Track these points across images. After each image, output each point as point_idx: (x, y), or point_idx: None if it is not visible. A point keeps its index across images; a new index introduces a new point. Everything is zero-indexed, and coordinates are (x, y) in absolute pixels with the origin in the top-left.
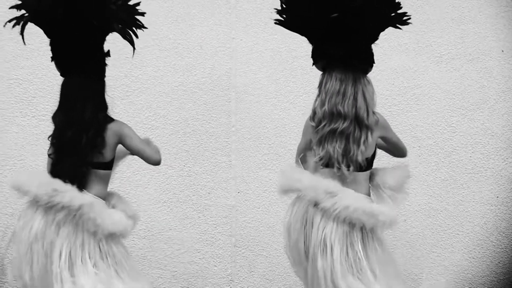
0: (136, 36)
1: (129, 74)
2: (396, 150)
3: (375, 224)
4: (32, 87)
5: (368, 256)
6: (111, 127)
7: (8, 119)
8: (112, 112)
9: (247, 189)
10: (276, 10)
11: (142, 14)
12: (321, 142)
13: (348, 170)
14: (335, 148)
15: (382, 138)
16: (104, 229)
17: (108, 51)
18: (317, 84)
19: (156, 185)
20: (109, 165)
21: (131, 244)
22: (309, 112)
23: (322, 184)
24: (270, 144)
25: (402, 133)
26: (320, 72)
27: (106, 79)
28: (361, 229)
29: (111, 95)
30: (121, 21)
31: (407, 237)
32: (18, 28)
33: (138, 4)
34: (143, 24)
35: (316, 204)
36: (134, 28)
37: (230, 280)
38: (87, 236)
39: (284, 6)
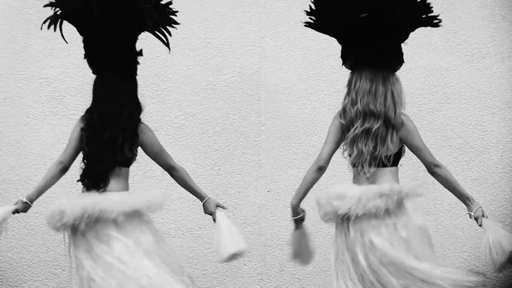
0: (170, 35)
1: (159, 73)
2: (419, 157)
3: (396, 201)
4: (62, 86)
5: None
6: (141, 128)
7: (38, 118)
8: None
9: (277, 188)
10: (305, 12)
11: (175, 13)
12: (354, 141)
13: (369, 168)
14: (367, 147)
15: (404, 141)
16: (120, 211)
17: (141, 50)
18: (346, 83)
19: None
20: (130, 162)
21: None
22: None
23: (332, 193)
24: (300, 143)
25: (432, 132)
26: (348, 71)
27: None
28: (388, 215)
29: (140, 94)
30: (154, 20)
31: (438, 237)
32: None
33: (170, 3)
34: (176, 22)
35: (341, 216)
36: (167, 27)
37: (260, 279)
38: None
39: (313, 7)
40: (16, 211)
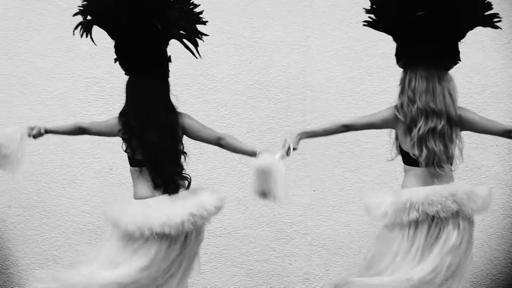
0: (197, 44)
1: (205, 73)
2: (490, 133)
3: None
4: (108, 86)
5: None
6: (178, 123)
7: (85, 118)
8: (187, 110)
9: (323, 188)
10: (365, 10)
11: (204, 23)
12: (422, 141)
13: (450, 166)
14: (438, 146)
15: (471, 130)
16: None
17: (170, 56)
18: (393, 82)
19: (231, 183)
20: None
21: (207, 242)
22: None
23: (446, 192)
24: (345, 142)
25: None
26: (398, 70)
27: (182, 77)
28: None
29: (186, 93)
30: (182, 28)
31: (485, 237)
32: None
33: (201, 12)
34: (203, 33)
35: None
36: (194, 37)
37: (306, 278)
38: None
39: (373, 6)
40: (29, 134)
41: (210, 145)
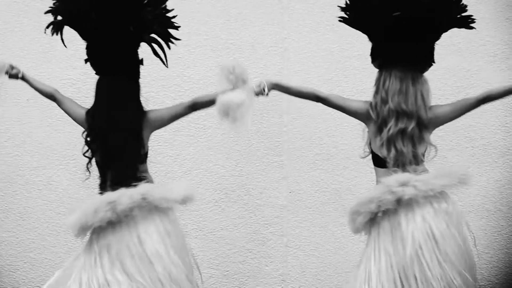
0: (169, 48)
1: (181, 74)
2: (465, 110)
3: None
4: (85, 87)
5: None
6: (145, 124)
7: (62, 119)
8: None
9: (299, 189)
10: (340, 7)
11: (176, 28)
12: (390, 142)
13: (415, 167)
14: (407, 147)
15: (447, 120)
16: (177, 197)
17: (142, 59)
18: (369, 84)
19: (208, 184)
20: (145, 158)
21: None
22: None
23: (390, 181)
24: (322, 144)
25: (455, 133)
26: (374, 71)
27: (159, 79)
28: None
29: (163, 95)
30: (154, 32)
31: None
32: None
33: (174, 17)
34: (175, 38)
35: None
36: (166, 41)
37: (282, 280)
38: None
39: (348, 3)
40: (7, 71)
41: (186, 147)
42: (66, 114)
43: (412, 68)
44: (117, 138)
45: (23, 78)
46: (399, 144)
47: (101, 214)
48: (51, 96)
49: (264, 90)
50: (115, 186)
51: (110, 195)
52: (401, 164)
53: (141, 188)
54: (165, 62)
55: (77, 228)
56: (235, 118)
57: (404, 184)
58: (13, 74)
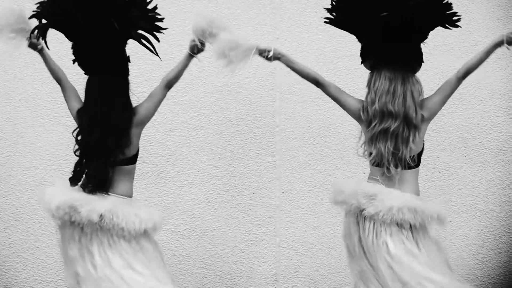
0: (158, 41)
1: None
2: (450, 94)
3: (423, 221)
4: (77, 87)
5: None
6: (135, 120)
7: (54, 119)
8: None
9: (292, 189)
10: (326, 9)
11: (161, 19)
12: (373, 141)
13: (396, 169)
14: (387, 147)
15: (439, 107)
16: (131, 230)
17: (128, 56)
18: (361, 84)
19: (200, 185)
20: (133, 160)
21: (175, 244)
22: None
23: (361, 189)
24: (315, 144)
25: (447, 133)
26: (366, 72)
27: (151, 79)
28: (410, 229)
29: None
30: (141, 28)
31: (452, 238)
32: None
33: (156, 8)
34: (162, 28)
35: (361, 211)
36: (155, 34)
37: (275, 280)
38: (117, 238)
39: (334, 4)
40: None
41: (179, 147)
42: (58, 115)
43: (402, 68)
44: (96, 136)
45: (41, 52)
46: (380, 144)
47: (60, 212)
48: (58, 80)
49: (268, 52)
50: (88, 185)
51: (77, 197)
52: (381, 163)
53: (106, 206)
54: (157, 54)
55: (45, 208)
56: (231, 60)
57: (371, 198)
58: (33, 43)
